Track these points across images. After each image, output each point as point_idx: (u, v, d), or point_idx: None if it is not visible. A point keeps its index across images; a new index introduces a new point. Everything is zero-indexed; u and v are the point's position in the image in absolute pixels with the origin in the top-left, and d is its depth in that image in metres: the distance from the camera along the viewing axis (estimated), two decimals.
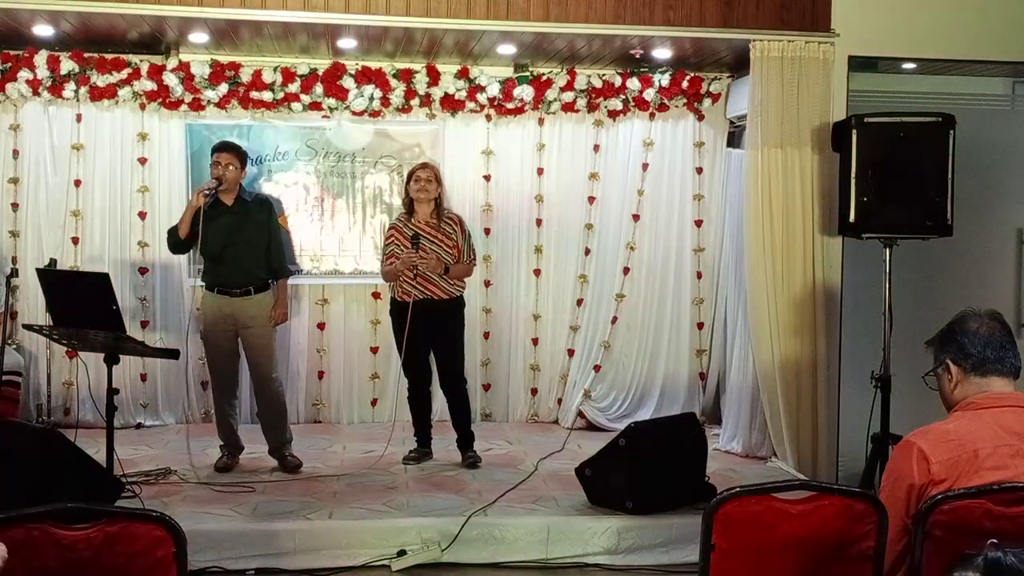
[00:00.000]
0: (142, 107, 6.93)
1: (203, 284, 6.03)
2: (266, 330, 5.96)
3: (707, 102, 7.22)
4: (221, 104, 6.92)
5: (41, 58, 6.66)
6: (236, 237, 5.82)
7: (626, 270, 7.30)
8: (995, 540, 1.83)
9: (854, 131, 5.60)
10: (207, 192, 5.77)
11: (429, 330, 6.03)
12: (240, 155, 5.97)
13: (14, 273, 6.65)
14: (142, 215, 7.02)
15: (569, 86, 7.10)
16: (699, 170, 7.33)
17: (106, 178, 6.98)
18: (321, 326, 7.27)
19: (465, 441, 6.22)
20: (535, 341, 7.45)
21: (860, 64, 6.33)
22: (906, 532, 2.70)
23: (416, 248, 5.98)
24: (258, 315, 5.90)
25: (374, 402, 7.32)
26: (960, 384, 2.81)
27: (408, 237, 6.03)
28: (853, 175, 5.59)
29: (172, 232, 5.93)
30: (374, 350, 7.29)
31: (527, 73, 7.08)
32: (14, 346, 6.64)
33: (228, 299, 5.84)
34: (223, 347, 5.92)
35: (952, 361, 2.81)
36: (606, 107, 7.20)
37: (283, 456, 5.95)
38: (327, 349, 7.29)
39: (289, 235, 7.02)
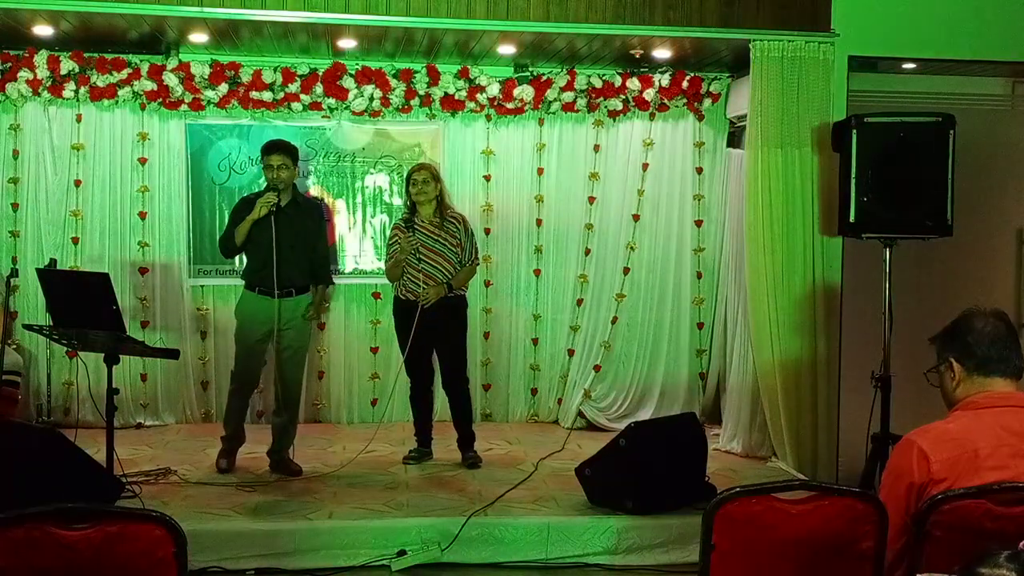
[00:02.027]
0: (142, 107, 6.94)
1: (245, 281, 5.96)
2: (304, 332, 5.97)
3: (707, 102, 7.22)
4: (221, 104, 6.92)
5: (41, 58, 6.66)
6: (285, 240, 5.74)
7: (626, 270, 7.31)
8: None
9: (854, 131, 5.60)
10: (271, 206, 5.71)
11: (433, 329, 6.04)
12: (293, 153, 5.89)
13: (14, 273, 6.66)
14: (142, 215, 7.02)
15: (569, 86, 7.10)
16: (699, 170, 7.33)
17: (106, 178, 6.98)
18: (321, 326, 7.26)
19: (465, 441, 6.22)
20: (535, 341, 7.45)
21: (860, 64, 6.34)
22: (905, 531, 2.69)
23: (412, 232, 6.00)
24: (297, 316, 5.88)
25: (374, 402, 7.32)
26: (962, 383, 2.80)
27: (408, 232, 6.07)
28: (853, 175, 5.59)
29: (227, 240, 5.87)
30: (374, 350, 7.29)
31: (527, 73, 7.08)
32: (14, 346, 6.64)
33: (269, 300, 5.78)
34: (256, 347, 5.89)
35: (956, 359, 2.80)
36: (606, 107, 7.21)
37: (284, 460, 5.94)
38: (327, 349, 7.29)
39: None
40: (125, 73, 6.79)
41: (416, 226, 6.06)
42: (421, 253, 6.02)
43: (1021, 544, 1.78)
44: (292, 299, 5.85)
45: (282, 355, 5.91)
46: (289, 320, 5.86)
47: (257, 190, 6.40)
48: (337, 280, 7.20)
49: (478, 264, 6.26)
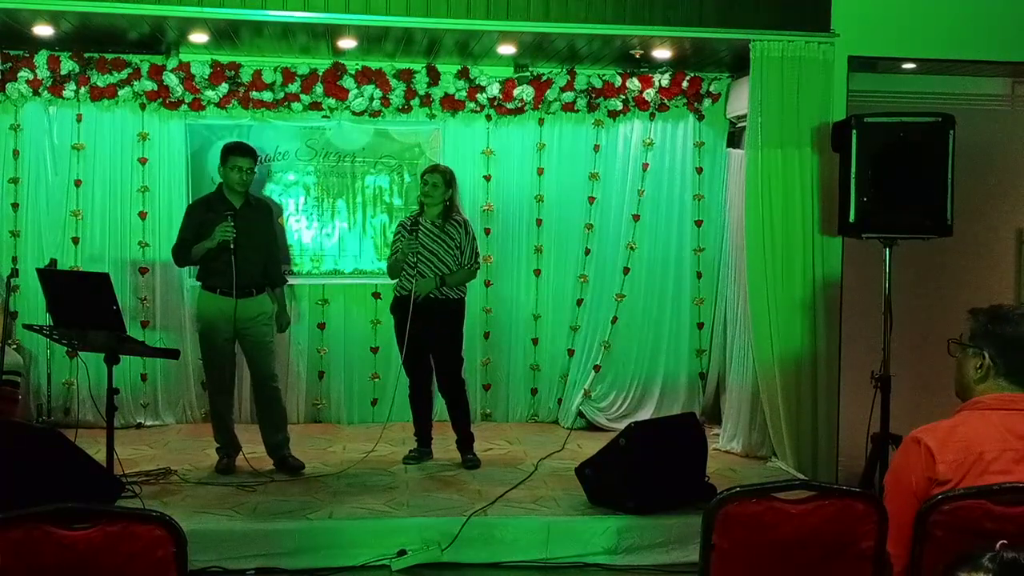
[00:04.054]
0: (142, 107, 6.94)
1: (199, 284, 5.99)
2: (267, 329, 5.97)
3: (707, 102, 7.22)
4: (221, 104, 6.92)
5: (41, 58, 6.66)
6: (241, 240, 5.75)
7: (626, 270, 7.31)
8: (1004, 541, 1.80)
9: (854, 131, 5.60)
10: (230, 235, 5.71)
11: (427, 328, 6.04)
12: (256, 158, 5.98)
13: (14, 273, 6.66)
14: (142, 215, 7.03)
15: (569, 86, 7.10)
16: (699, 170, 7.33)
17: (106, 178, 6.98)
18: (321, 326, 7.27)
19: (465, 442, 6.22)
20: (535, 341, 7.45)
21: (860, 64, 6.33)
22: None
23: (415, 236, 6.02)
24: (259, 316, 5.89)
25: (374, 402, 7.32)
26: (988, 379, 2.74)
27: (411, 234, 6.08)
28: (853, 175, 5.59)
29: (183, 254, 5.87)
30: (374, 350, 7.29)
31: (527, 73, 7.08)
32: (14, 346, 6.64)
33: (229, 300, 5.79)
34: (222, 348, 5.89)
35: (992, 355, 2.72)
36: (606, 107, 7.21)
37: (283, 457, 5.94)
38: (327, 349, 7.29)
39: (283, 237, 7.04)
40: (125, 73, 6.80)
41: (419, 227, 6.08)
42: (419, 253, 6.03)
43: (999, 544, 1.78)
44: (252, 299, 5.86)
45: (251, 352, 5.92)
46: (252, 320, 5.86)
47: (258, 191, 6.40)
48: (337, 280, 7.21)
49: (477, 268, 6.25)
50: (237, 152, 5.87)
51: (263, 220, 6.03)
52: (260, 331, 5.91)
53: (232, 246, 5.71)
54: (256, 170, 6.00)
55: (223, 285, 5.78)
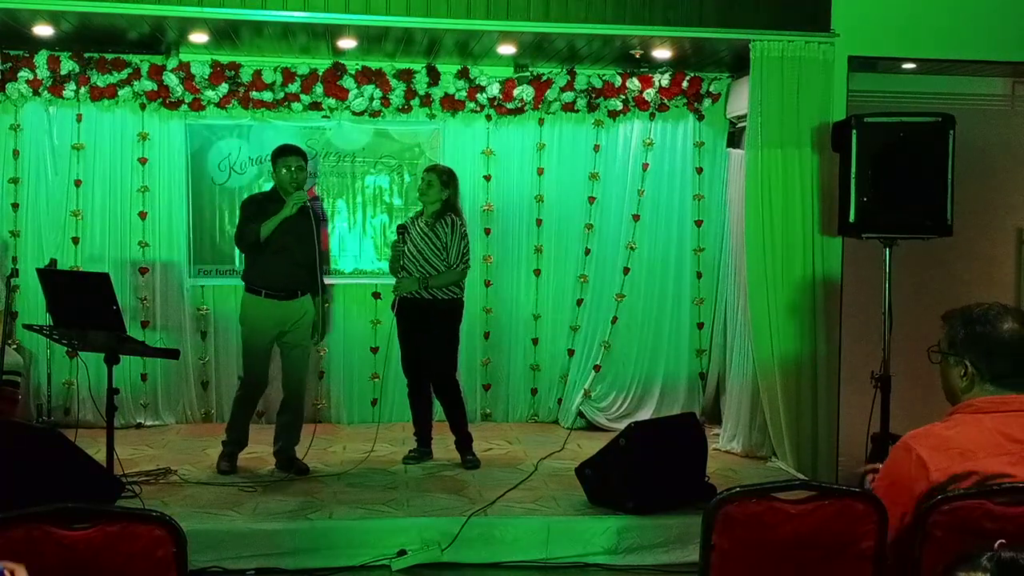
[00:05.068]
0: (142, 107, 6.94)
1: (246, 284, 5.92)
2: (308, 332, 5.99)
3: (707, 102, 7.22)
4: (221, 104, 6.92)
5: (41, 58, 6.66)
6: (290, 239, 5.77)
7: (626, 270, 7.31)
8: (1003, 540, 1.80)
9: (854, 131, 5.60)
10: (304, 201, 5.76)
11: (418, 330, 6.05)
12: (305, 156, 6.01)
13: (14, 273, 6.66)
14: (142, 215, 7.03)
15: (569, 86, 7.10)
16: (699, 170, 7.33)
17: (106, 178, 6.99)
18: None
19: (463, 443, 6.21)
20: (535, 341, 7.45)
21: (860, 64, 6.34)
22: (900, 535, 2.67)
23: (401, 238, 6.07)
24: (303, 317, 5.91)
25: (374, 402, 7.32)
26: (974, 387, 2.71)
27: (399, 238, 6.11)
28: (853, 175, 5.59)
29: (251, 233, 5.76)
30: (374, 350, 7.29)
31: (527, 73, 7.08)
32: (14, 346, 6.64)
33: (277, 303, 5.80)
34: (264, 350, 5.89)
35: (972, 363, 2.69)
36: (606, 107, 7.21)
37: (291, 458, 5.93)
38: (327, 349, 7.29)
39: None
40: (125, 73, 6.80)
41: (408, 229, 6.11)
42: (406, 252, 6.04)
43: (997, 544, 1.78)
44: (299, 300, 5.89)
45: (290, 354, 5.93)
46: (298, 320, 5.88)
47: (257, 191, 6.39)
48: (337, 280, 7.20)
49: (464, 268, 6.13)
50: (284, 152, 5.90)
51: (308, 224, 5.93)
52: (302, 333, 5.93)
53: (307, 204, 5.75)
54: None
55: (270, 286, 5.79)
